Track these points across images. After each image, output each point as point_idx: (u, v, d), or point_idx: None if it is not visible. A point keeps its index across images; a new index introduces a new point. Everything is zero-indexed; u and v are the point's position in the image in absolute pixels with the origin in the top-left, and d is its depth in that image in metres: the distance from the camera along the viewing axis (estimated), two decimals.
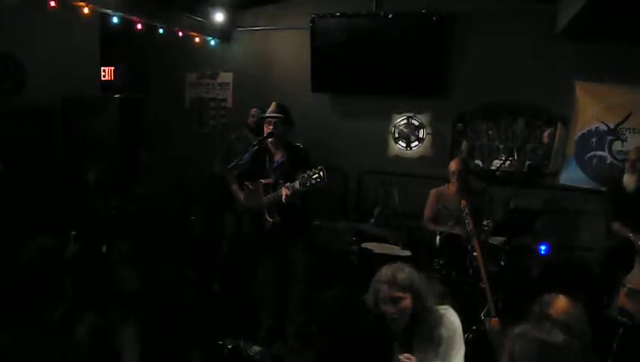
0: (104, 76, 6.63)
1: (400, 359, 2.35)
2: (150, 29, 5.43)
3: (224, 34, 6.30)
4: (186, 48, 6.26)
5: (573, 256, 5.02)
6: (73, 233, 4.06)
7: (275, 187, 3.90)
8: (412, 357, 2.37)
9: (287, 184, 3.72)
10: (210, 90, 6.67)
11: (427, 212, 4.70)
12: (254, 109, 5.41)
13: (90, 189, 4.73)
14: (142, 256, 2.78)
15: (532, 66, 5.20)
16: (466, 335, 3.67)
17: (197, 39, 6.05)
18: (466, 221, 3.70)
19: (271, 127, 4.02)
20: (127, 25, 5.16)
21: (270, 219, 3.92)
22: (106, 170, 4.74)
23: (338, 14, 5.65)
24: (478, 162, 5.55)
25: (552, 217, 5.10)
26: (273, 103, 4.16)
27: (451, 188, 4.60)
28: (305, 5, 5.89)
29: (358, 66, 5.64)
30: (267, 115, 4.09)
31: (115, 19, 4.99)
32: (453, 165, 4.59)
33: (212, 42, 6.26)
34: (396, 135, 5.87)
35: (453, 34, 5.41)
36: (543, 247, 4.87)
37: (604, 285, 4.09)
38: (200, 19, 5.84)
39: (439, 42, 5.37)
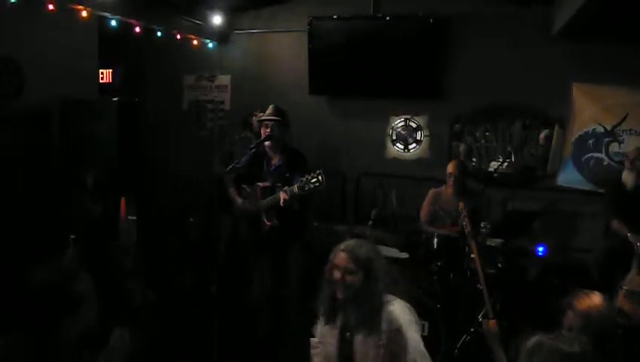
0: (102, 79, 6.63)
1: None
2: (148, 32, 5.44)
3: (222, 36, 6.31)
4: (184, 51, 6.27)
5: (571, 257, 5.04)
6: (72, 236, 4.06)
7: (272, 190, 3.90)
8: None
9: (286, 188, 3.72)
10: (208, 92, 6.67)
11: (424, 213, 4.70)
12: (259, 112, 5.38)
13: (89, 192, 4.73)
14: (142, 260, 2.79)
15: (529, 68, 5.21)
16: (463, 337, 3.71)
17: (195, 42, 6.06)
18: (464, 223, 3.70)
19: (268, 130, 4.02)
20: (125, 28, 5.16)
21: (268, 223, 3.92)
22: (104, 173, 4.74)
23: (336, 17, 5.66)
24: (476, 164, 5.56)
25: (550, 219, 5.11)
26: (270, 106, 4.16)
27: (449, 189, 4.61)
28: (302, 8, 5.90)
29: (355, 69, 5.65)
30: (265, 117, 4.10)
31: (113, 22, 4.99)
32: (450, 167, 4.61)
33: (210, 45, 6.27)
34: (394, 137, 5.88)
35: (451, 36, 5.43)
36: (540, 249, 4.87)
37: (602, 287, 4.10)
38: (198, 21, 5.85)
39: (436, 44, 5.39)
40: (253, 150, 4.08)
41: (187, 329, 3.78)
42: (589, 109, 5.13)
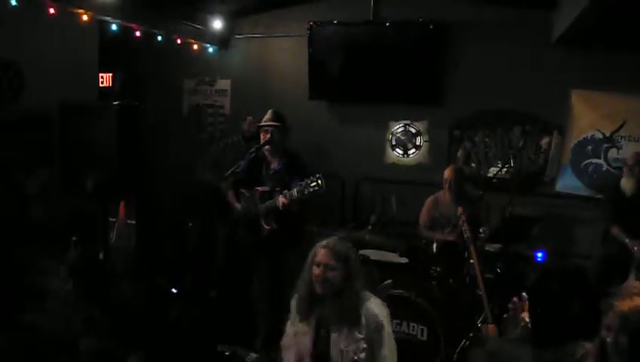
0: (102, 83, 6.63)
1: None
2: (149, 36, 5.45)
3: (222, 41, 6.32)
4: (185, 55, 6.28)
5: (570, 263, 5.04)
6: (74, 238, 4.06)
7: (271, 194, 3.91)
8: None
9: (285, 192, 3.73)
10: (208, 96, 6.68)
11: (423, 219, 4.71)
12: (250, 117, 5.38)
13: (88, 196, 4.72)
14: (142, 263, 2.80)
15: (528, 75, 5.23)
16: (462, 342, 3.71)
17: (195, 46, 6.07)
18: (463, 228, 3.71)
19: (268, 135, 4.03)
20: (125, 32, 5.17)
21: (267, 227, 3.92)
22: (103, 177, 4.73)
23: (335, 22, 5.68)
24: (475, 169, 5.56)
25: (549, 224, 5.11)
26: (269, 111, 4.17)
27: (447, 195, 4.62)
28: (303, 13, 5.92)
29: (355, 74, 5.67)
30: (264, 123, 4.10)
31: (113, 27, 5.00)
32: (446, 173, 4.61)
33: (210, 49, 6.28)
34: (393, 142, 5.89)
35: (450, 42, 5.44)
36: (539, 254, 4.87)
37: (601, 293, 4.10)
38: (198, 26, 5.87)
39: (436, 50, 5.40)
40: (253, 154, 4.08)
41: (186, 332, 3.77)
42: (587, 116, 5.15)
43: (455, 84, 5.52)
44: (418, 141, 5.80)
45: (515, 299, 2.34)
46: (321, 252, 2.56)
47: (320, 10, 5.86)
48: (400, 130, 5.87)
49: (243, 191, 4.10)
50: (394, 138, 5.89)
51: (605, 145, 5.10)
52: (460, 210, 3.84)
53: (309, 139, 5.61)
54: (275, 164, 4.08)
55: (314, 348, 2.54)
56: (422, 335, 3.72)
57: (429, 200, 4.74)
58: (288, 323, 2.67)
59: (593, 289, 4.25)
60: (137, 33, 5.26)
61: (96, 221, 4.78)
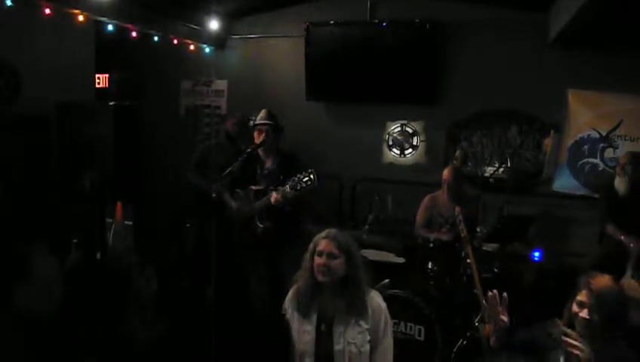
0: (99, 83, 6.62)
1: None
2: (145, 37, 5.44)
3: (219, 42, 6.32)
4: (181, 56, 6.27)
5: (567, 262, 5.04)
6: (74, 241, 4.05)
7: (265, 193, 3.91)
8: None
9: (278, 188, 3.73)
10: (204, 97, 6.68)
11: (419, 219, 4.71)
12: (233, 117, 5.32)
13: (86, 197, 4.71)
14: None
15: (525, 74, 5.24)
16: (460, 342, 3.71)
17: (192, 47, 6.06)
18: (460, 227, 3.71)
19: (263, 134, 4.03)
20: (122, 32, 5.17)
21: (261, 225, 3.92)
22: (100, 178, 4.72)
23: (332, 22, 5.68)
24: (472, 169, 5.57)
25: (546, 224, 5.12)
26: (263, 110, 4.17)
27: (444, 194, 4.62)
28: (299, 13, 5.92)
29: (352, 74, 5.67)
30: (258, 122, 4.10)
31: (110, 27, 4.99)
32: (445, 173, 4.60)
33: (207, 50, 6.27)
34: (390, 142, 5.90)
35: (447, 42, 5.45)
36: (536, 254, 4.88)
37: None
38: (195, 27, 5.86)
39: (433, 50, 5.41)
40: (247, 154, 4.07)
41: (184, 332, 3.77)
42: (584, 115, 5.16)
43: (452, 84, 5.53)
44: (415, 141, 5.81)
45: (490, 293, 2.44)
46: (322, 242, 2.60)
47: (317, 10, 5.86)
48: (397, 130, 5.87)
49: (238, 190, 4.09)
50: (391, 138, 5.89)
51: (602, 145, 5.11)
52: (457, 209, 3.84)
53: (306, 140, 5.61)
54: (269, 163, 4.08)
55: (316, 346, 2.55)
56: (419, 335, 3.72)
57: (427, 199, 4.74)
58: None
59: None
60: (134, 34, 5.25)
61: (94, 222, 4.77)
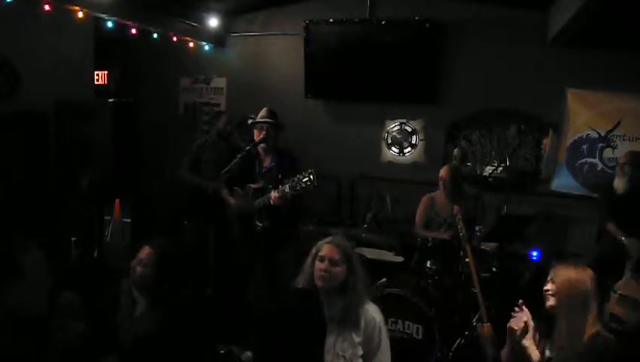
0: (98, 80, 6.62)
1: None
2: (144, 34, 5.43)
3: (218, 39, 6.31)
4: (180, 53, 6.27)
5: (565, 262, 5.04)
6: (74, 239, 4.05)
7: (264, 191, 3.90)
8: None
9: (278, 187, 3.72)
10: (204, 94, 6.67)
11: (418, 218, 4.70)
12: (225, 116, 5.33)
13: (84, 194, 4.70)
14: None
15: (524, 74, 5.24)
16: (458, 341, 3.71)
17: (191, 44, 6.06)
18: (459, 227, 3.72)
19: (263, 132, 4.02)
20: (121, 29, 5.16)
21: (260, 224, 3.91)
22: (99, 175, 4.72)
23: (331, 21, 5.68)
24: (471, 168, 5.57)
25: (544, 223, 5.13)
26: (264, 109, 4.15)
27: (443, 194, 4.61)
28: (298, 11, 5.92)
29: (351, 72, 5.67)
30: (259, 120, 4.09)
31: (109, 24, 4.98)
32: (442, 172, 4.59)
33: (206, 47, 6.27)
34: (389, 141, 5.89)
35: (446, 41, 5.45)
36: (534, 253, 4.88)
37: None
38: (194, 24, 5.85)
39: (432, 49, 5.41)
40: (246, 152, 4.06)
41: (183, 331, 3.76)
42: (583, 115, 5.17)
43: (451, 83, 5.53)
44: (414, 140, 5.81)
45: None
46: (326, 247, 2.55)
47: (316, 8, 5.86)
48: (396, 128, 5.87)
49: (236, 188, 4.09)
50: (390, 137, 5.89)
51: (600, 145, 5.12)
52: (455, 208, 3.84)
53: (304, 138, 5.61)
54: (267, 162, 4.08)
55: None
56: (417, 333, 3.72)
57: (425, 198, 4.73)
58: None
59: None
60: (133, 31, 5.24)
61: (92, 219, 4.77)
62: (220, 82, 6.58)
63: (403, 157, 5.86)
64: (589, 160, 5.17)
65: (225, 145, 4.93)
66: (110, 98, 5.16)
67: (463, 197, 4.53)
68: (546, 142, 5.32)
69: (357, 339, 2.45)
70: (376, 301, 3.74)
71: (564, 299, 2.33)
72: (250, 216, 3.96)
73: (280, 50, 6.22)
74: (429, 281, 4.06)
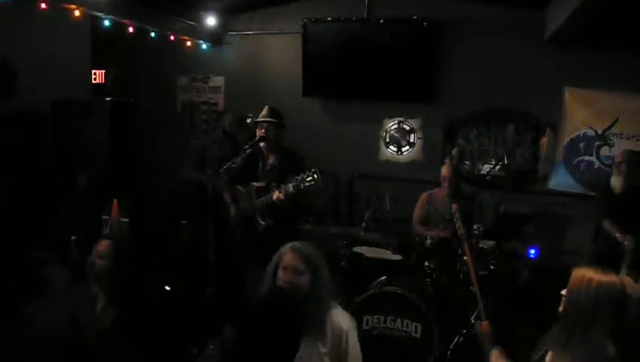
0: (95, 79, 6.60)
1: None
2: (142, 33, 5.42)
3: (216, 38, 6.30)
4: (178, 52, 6.25)
5: (562, 260, 5.07)
6: (73, 238, 4.05)
7: (267, 190, 3.90)
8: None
9: (281, 186, 3.73)
10: (201, 93, 6.66)
11: (416, 215, 4.72)
12: (230, 115, 5.31)
13: (82, 193, 4.70)
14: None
15: (522, 73, 5.25)
16: (456, 339, 3.72)
17: (189, 43, 6.05)
18: (457, 225, 3.72)
19: (263, 131, 4.02)
20: (118, 28, 5.14)
21: (262, 222, 3.92)
22: (96, 174, 4.72)
23: (330, 19, 5.68)
24: (469, 167, 5.58)
25: (542, 221, 5.14)
26: (265, 107, 4.16)
27: (442, 192, 4.63)
28: (297, 10, 5.91)
29: (349, 71, 5.66)
30: (260, 118, 4.10)
31: (106, 23, 4.96)
32: (445, 170, 4.61)
33: (204, 46, 6.26)
34: (387, 139, 5.90)
35: (444, 40, 5.45)
36: (532, 251, 4.90)
37: None
38: (192, 22, 5.84)
39: (430, 48, 5.41)
40: (249, 150, 4.07)
41: (182, 330, 3.77)
42: (580, 113, 5.18)
43: (449, 82, 5.53)
44: (412, 138, 5.82)
45: None
46: (289, 255, 2.36)
47: (314, 7, 5.85)
48: (394, 127, 5.87)
49: (239, 187, 4.09)
50: (388, 135, 5.90)
51: (597, 143, 5.13)
52: (454, 206, 3.84)
53: (302, 136, 5.60)
54: (271, 160, 4.08)
55: None
56: (415, 331, 3.73)
57: (424, 195, 4.75)
58: None
59: None
60: (130, 29, 5.23)
61: (90, 218, 4.76)
62: (218, 81, 6.57)
63: (401, 156, 5.86)
64: (586, 158, 5.18)
65: (230, 144, 4.92)
66: (108, 97, 5.17)
67: (462, 195, 4.54)
68: (544, 140, 5.33)
69: (323, 350, 2.29)
70: (376, 299, 3.80)
71: (568, 305, 2.06)
72: (251, 216, 3.96)
73: (278, 49, 6.22)
74: (427, 280, 4.07)
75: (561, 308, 2.11)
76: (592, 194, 4.82)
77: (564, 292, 2.14)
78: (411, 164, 5.81)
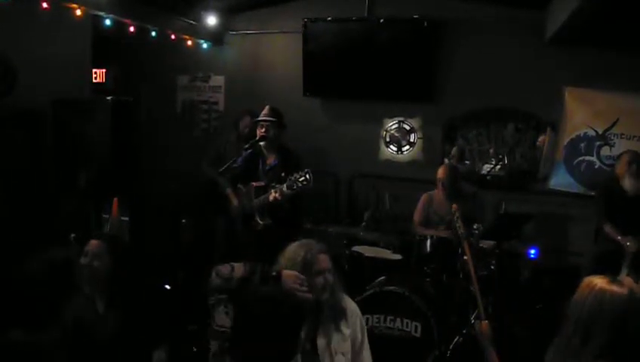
0: (96, 78, 6.60)
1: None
2: (142, 32, 5.42)
3: (216, 37, 6.30)
4: (178, 51, 6.25)
5: (563, 260, 5.07)
6: (73, 235, 4.05)
7: (266, 189, 3.91)
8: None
9: (277, 186, 3.74)
10: (202, 93, 6.66)
11: (417, 216, 4.72)
12: (247, 118, 5.32)
13: (82, 192, 4.70)
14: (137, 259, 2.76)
15: (522, 72, 5.25)
16: (456, 339, 3.72)
17: (189, 42, 6.05)
18: (457, 225, 3.72)
19: (264, 130, 4.03)
20: (119, 27, 5.14)
21: (261, 222, 3.92)
22: (97, 173, 4.72)
23: (330, 19, 5.68)
24: (469, 166, 5.58)
25: (542, 221, 5.14)
26: (266, 107, 4.17)
27: (441, 193, 4.62)
28: (297, 10, 5.91)
29: (349, 71, 5.67)
30: (260, 118, 4.11)
31: (107, 22, 4.97)
32: (440, 172, 4.60)
33: (204, 45, 6.26)
34: (387, 139, 5.90)
35: (444, 40, 5.45)
36: (532, 251, 4.90)
37: None
38: (192, 22, 5.84)
39: (430, 47, 5.41)
40: (250, 150, 4.08)
41: (181, 329, 3.77)
42: (580, 113, 5.18)
43: (449, 82, 5.53)
44: (412, 138, 5.81)
45: None
46: (322, 258, 2.34)
47: (314, 6, 5.85)
48: (394, 126, 5.87)
49: (240, 186, 4.10)
50: (388, 135, 5.90)
51: (598, 143, 5.13)
52: (454, 206, 3.84)
53: (303, 136, 5.60)
54: (271, 160, 4.09)
55: None
56: (415, 331, 3.72)
57: (424, 197, 4.75)
58: None
59: None
60: (131, 28, 5.22)
61: (90, 217, 4.76)
62: (219, 80, 6.57)
63: (401, 156, 5.86)
64: (587, 158, 5.18)
65: (242, 147, 4.93)
66: (108, 96, 5.15)
67: (461, 195, 4.54)
68: (541, 139, 5.33)
69: (346, 332, 2.37)
70: (376, 299, 3.80)
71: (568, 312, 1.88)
72: (250, 215, 3.97)
73: (278, 49, 6.22)
74: (428, 279, 4.08)
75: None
76: (593, 194, 4.82)
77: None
78: (411, 163, 5.81)
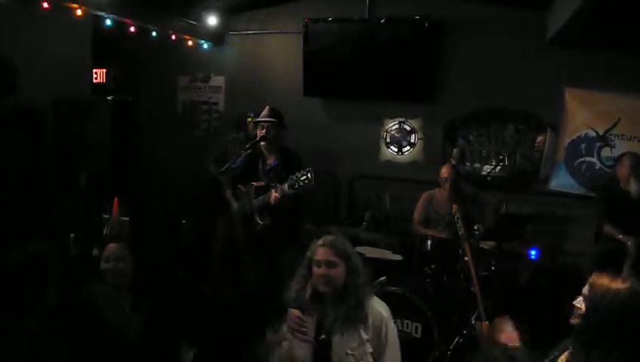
0: (96, 78, 6.61)
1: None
2: (143, 32, 5.42)
3: (217, 37, 6.30)
4: (179, 51, 6.26)
5: (563, 261, 5.07)
6: (72, 235, 4.05)
7: (266, 190, 3.91)
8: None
9: (277, 186, 3.73)
10: (202, 93, 6.66)
11: (416, 215, 4.72)
12: (252, 114, 5.32)
13: (82, 192, 4.71)
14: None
15: (522, 73, 5.24)
16: (456, 339, 3.72)
17: (190, 42, 6.05)
18: (458, 225, 3.72)
19: (264, 131, 4.03)
20: (120, 27, 5.15)
21: (261, 222, 3.92)
22: (97, 173, 4.72)
23: (331, 19, 5.68)
24: (469, 167, 5.58)
25: (542, 222, 5.13)
26: (266, 107, 4.17)
27: (442, 192, 4.62)
28: (298, 10, 5.91)
29: (350, 71, 5.66)
30: (260, 118, 4.11)
31: (108, 22, 4.97)
32: (444, 171, 4.60)
33: (205, 45, 6.26)
34: (388, 140, 5.89)
35: (445, 40, 5.45)
36: (533, 252, 4.90)
37: None
38: (193, 22, 5.84)
39: (431, 48, 5.41)
40: (249, 150, 4.08)
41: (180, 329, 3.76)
42: (581, 114, 5.17)
43: (449, 82, 5.52)
44: (412, 138, 5.81)
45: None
46: (320, 250, 2.46)
47: (315, 7, 5.85)
48: (394, 127, 5.87)
49: (240, 186, 4.10)
50: (388, 135, 5.89)
51: (598, 144, 5.12)
52: (454, 207, 3.84)
53: (303, 136, 5.60)
54: (271, 160, 4.09)
55: (314, 356, 2.41)
56: (416, 332, 3.72)
57: (425, 195, 4.75)
58: (281, 325, 2.52)
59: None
60: (132, 29, 5.23)
61: (90, 216, 4.76)
62: (219, 81, 6.57)
63: (402, 156, 5.86)
64: (588, 159, 5.17)
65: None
66: (109, 96, 5.16)
67: (462, 196, 4.54)
68: (540, 140, 5.32)
69: (365, 336, 2.39)
70: None
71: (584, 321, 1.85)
72: (250, 215, 3.97)
73: (279, 49, 6.22)
74: (428, 280, 4.07)
75: (575, 320, 1.94)
76: (593, 195, 4.82)
77: (577, 303, 1.97)
78: (412, 164, 5.81)
